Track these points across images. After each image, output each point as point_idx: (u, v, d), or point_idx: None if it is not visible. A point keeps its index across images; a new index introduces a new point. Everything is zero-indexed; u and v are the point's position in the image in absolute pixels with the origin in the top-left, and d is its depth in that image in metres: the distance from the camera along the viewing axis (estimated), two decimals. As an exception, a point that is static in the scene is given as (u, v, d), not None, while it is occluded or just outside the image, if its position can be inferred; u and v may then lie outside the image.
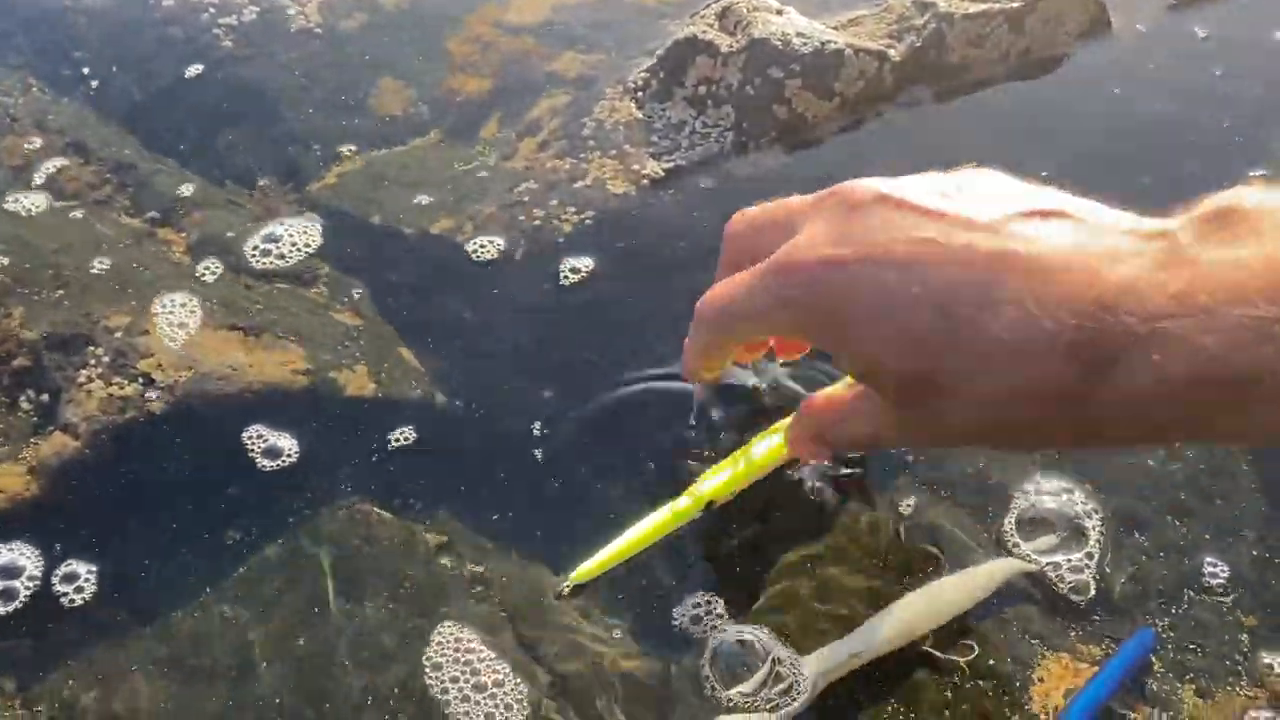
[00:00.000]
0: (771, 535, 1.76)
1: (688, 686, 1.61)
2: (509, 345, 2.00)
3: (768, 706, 1.55)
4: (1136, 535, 1.78)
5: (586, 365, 1.97)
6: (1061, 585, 1.73)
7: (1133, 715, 1.59)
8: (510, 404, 1.91)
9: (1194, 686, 1.62)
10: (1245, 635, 1.66)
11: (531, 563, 1.72)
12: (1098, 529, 1.77)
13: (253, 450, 1.80)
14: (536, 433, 1.87)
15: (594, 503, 1.80)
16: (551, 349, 1.99)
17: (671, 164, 2.25)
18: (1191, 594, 1.71)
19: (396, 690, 1.59)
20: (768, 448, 1.78)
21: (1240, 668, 1.63)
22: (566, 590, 1.66)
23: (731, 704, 1.54)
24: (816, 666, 1.61)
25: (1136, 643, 1.65)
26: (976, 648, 1.66)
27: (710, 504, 1.72)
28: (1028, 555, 1.73)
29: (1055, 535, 1.80)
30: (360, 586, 1.68)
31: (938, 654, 1.66)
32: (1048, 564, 1.74)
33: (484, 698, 1.60)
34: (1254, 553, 1.75)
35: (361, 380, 1.91)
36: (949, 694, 1.62)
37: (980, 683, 1.62)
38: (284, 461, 1.80)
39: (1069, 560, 1.77)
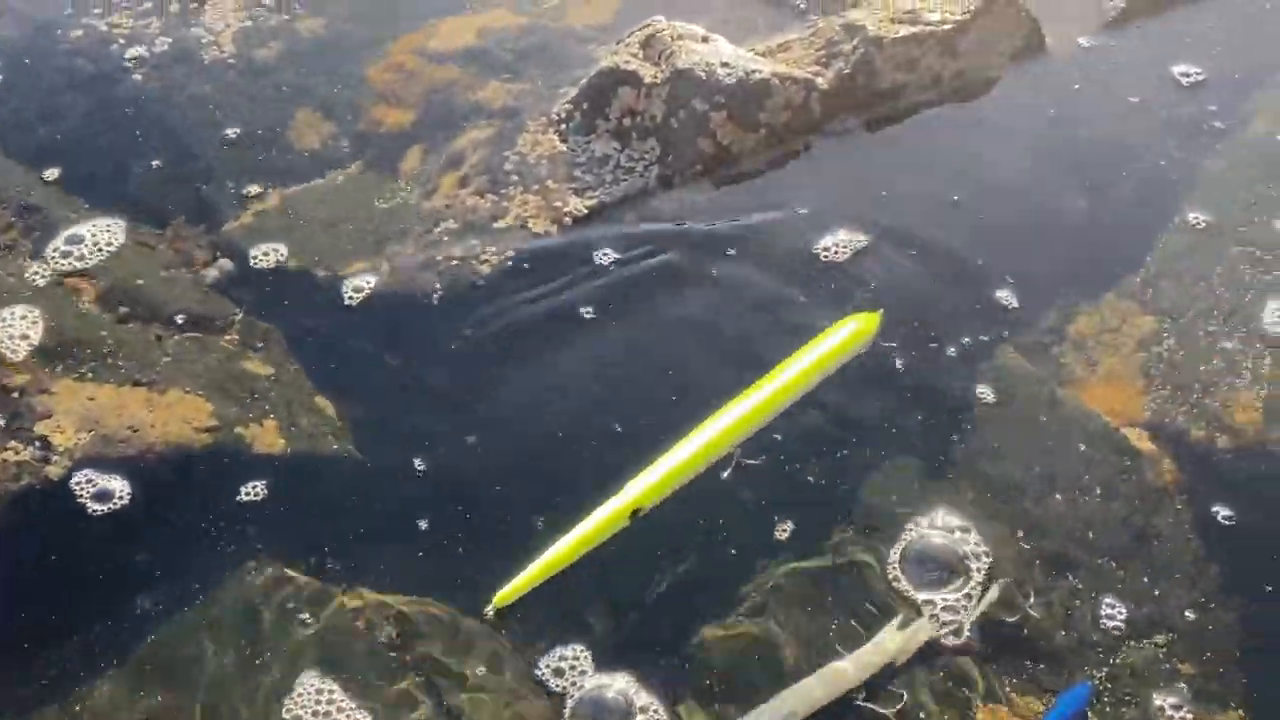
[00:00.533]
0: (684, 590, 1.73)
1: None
2: (428, 391, 1.94)
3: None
4: (1069, 579, 1.73)
5: (511, 408, 1.91)
6: (996, 637, 1.69)
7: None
8: (432, 450, 1.85)
9: (1132, 740, 1.58)
10: (1183, 684, 1.62)
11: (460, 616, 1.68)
12: (987, 569, 1.74)
13: (152, 516, 1.73)
14: (458, 477, 1.81)
15: (520, 536, 1.75)
16: (473, 393, 1.93)
17: (594, 200, 2.18)
18: (1129, 641, 1.67)
19: None
20: (694, 450, 1.74)
21: (1177, 718, 1.59)
22: (490, 614, 1.62)
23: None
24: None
25: (1072, 696, 1.61)
26: (905, 696, 1.62)
27: (636, 512, 1.68)
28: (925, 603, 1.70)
29: (941, 572, 1.76)
30: (286, 654, 1.61)
31: (865, 705, 1.62)
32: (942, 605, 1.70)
33: None
34: (1187, 597, 1.71)
35: (271, 436, 1.83)
36: (882, 751, 1.57)
37: (916, 738, 1.58)
38: (185, 524, 1.73)
39: (946, 600, 1.73)
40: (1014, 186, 2.31)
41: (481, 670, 1.60)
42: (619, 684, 1.61)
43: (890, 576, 1.72)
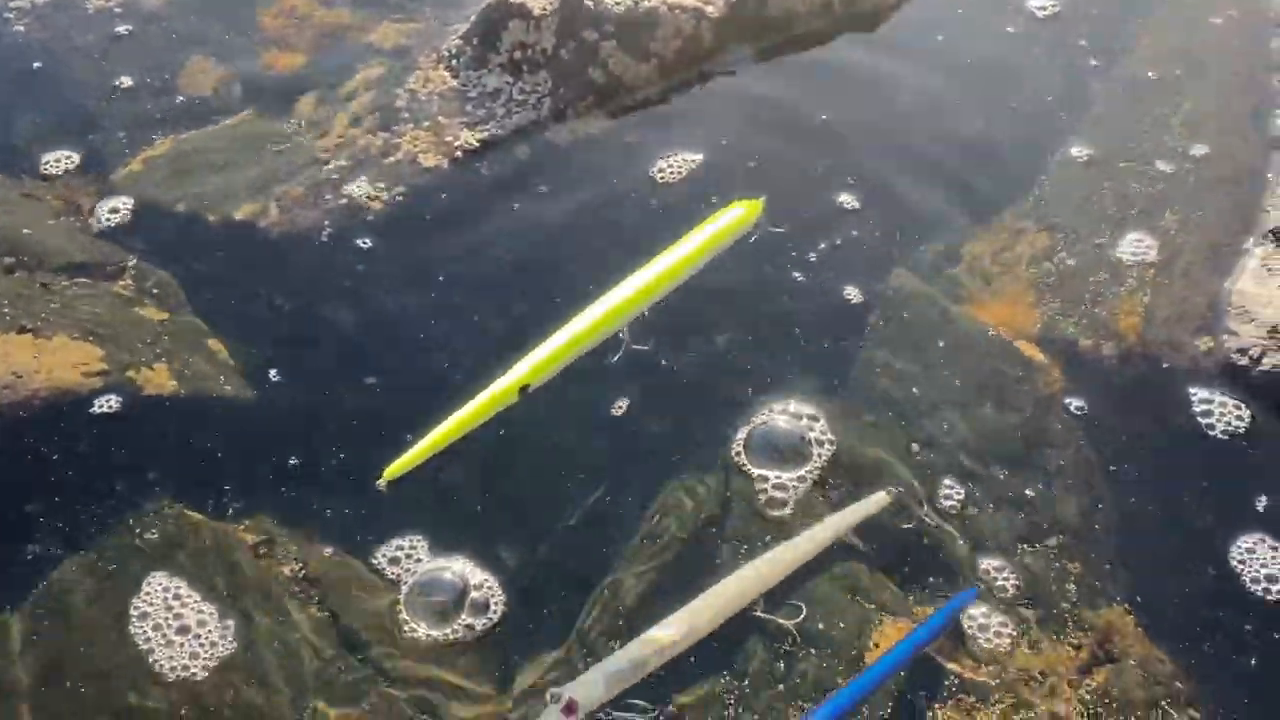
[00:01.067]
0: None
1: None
2: (321, 331, 1.92)
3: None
4: (966, 488, 1.77)
5: (409, 345, 1.90)
6: (894, 547, 1.72)
7: (953, 666, 1.59)
8: (328, 392, 1.83)
9: (1022, 637, 1.62)
10: (1072, 584, 1.67)
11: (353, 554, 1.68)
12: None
13: (39, 461, 1.69)
14: (356, 421, 1.80)
15: (422, 482, 1.75)
16: (366, 330, 1.92)
17: (487, 134, 2.17)
18: (1022, 544, 1.71)
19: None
20: (580, 329, 1.77)
21: (1067, 616, 1.64)
22: (383, 486, 1.62)
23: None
24: (641, 650, 1.58)
25: (958, 600, 1.64)
26: (804, 609, 1.64)
27: (525, 388, 1.69)
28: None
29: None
30: (177, 591, 1.59)
31: (766, 616, 1.65)
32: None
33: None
34: (1077, 501, 1.76)
35: (162, 379, 1.80)
36: (781, 664, 1.60)
37: (811, 651, 1.60)
38: (78, 470, 1.70)
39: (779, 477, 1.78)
40: (907, 111, 2.34)
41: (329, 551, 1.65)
42: (455, 566, 1.65)
43: (770, 480, 1.75)
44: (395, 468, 1.59)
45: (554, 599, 1.64)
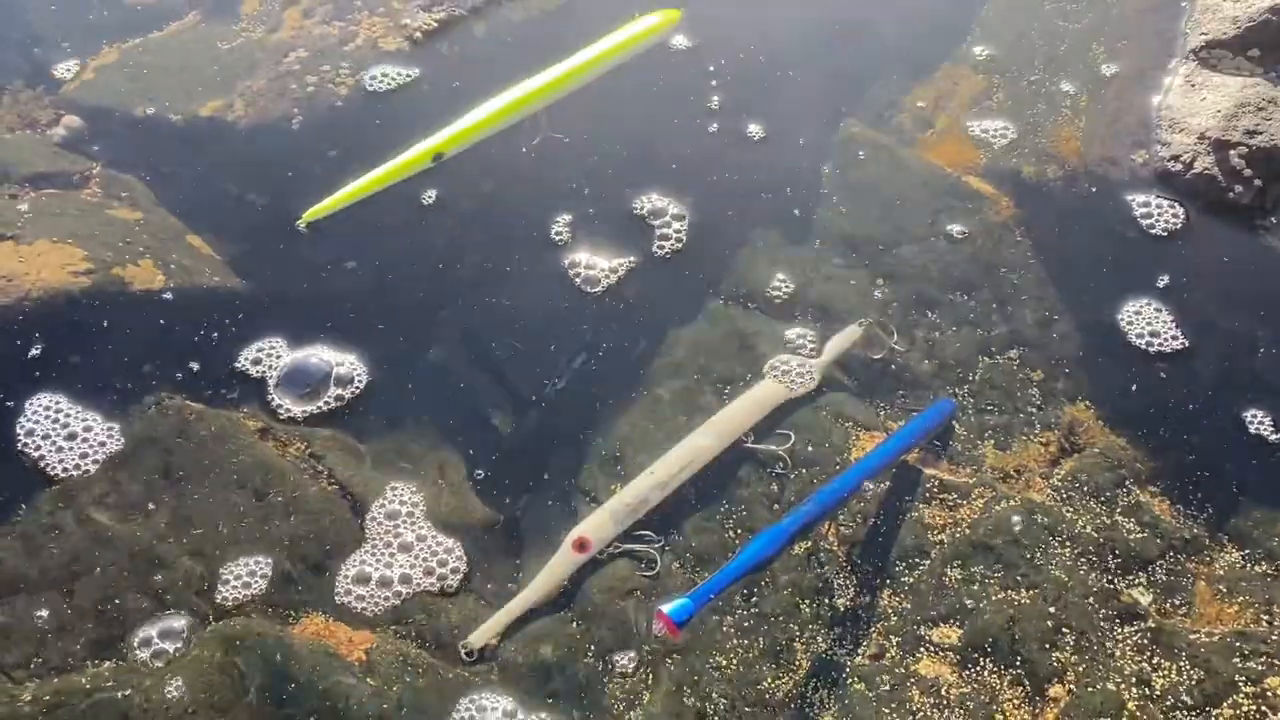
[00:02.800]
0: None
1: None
2: (297, 220, 1.95)
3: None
4: (930, 315, 1.88)
5: (390, 228, 1.95)
6: (868, 373, 1.83)
7: (932, 472, 1.71)
8: (309, 280, 1.89)
9: (993, 441, 1.74)
10: (1035, 390, 1.80)
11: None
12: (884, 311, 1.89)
13: (46, 358, 1.73)
14: (340, 304, 1.86)
15: (389, 335, 1.84)
16: (343, 217, 1.95)
17: (443, 14, 2.19)
18: (985, 359, 1.83)
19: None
20: (497, 108, 1.90)
21: (1033, 418, 1.77)
22: (303, 226, 1.82)
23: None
24: (648, 482, 1.68)
25: (934, 410, 1.76)
26: (793, 436, 1.75)
27: (439, 155, 1.84)
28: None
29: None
30: (190, 479, 1.65)
31: (758, 447, 1.75)
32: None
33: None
34: (1033, 314, 1.88)
35: (149, 274, 1.83)
36: (775, 485, 1.70)
37: (803, 470, 1.71)
38: (76, 365, 1.74)
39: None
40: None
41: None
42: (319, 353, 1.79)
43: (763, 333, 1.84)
44: (313, 212, 1.80)
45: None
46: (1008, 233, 1.97)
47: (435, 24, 2.13)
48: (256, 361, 1.79)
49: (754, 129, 2.11)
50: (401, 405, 1.77)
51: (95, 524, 1.59)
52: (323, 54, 2.13)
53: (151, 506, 1.62)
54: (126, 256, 1.84)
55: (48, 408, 1.70)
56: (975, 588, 1.57)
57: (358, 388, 1.77)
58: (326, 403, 1.76)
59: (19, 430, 1.67)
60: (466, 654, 1.59)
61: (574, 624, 1.61)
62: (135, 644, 1.51)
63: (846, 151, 2.08)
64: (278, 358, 1.79)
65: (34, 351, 1.73)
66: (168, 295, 1.82)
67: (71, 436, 1.68)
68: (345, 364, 1.79)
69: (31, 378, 1.72)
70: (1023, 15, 2.32)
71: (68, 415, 1.69)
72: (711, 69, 2.18)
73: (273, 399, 1.75)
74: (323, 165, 2.01)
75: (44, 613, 1.53)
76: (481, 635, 1.60)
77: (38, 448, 1.66)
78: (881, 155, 2.08)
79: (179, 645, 1.50)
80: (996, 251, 1.95)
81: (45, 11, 2.34)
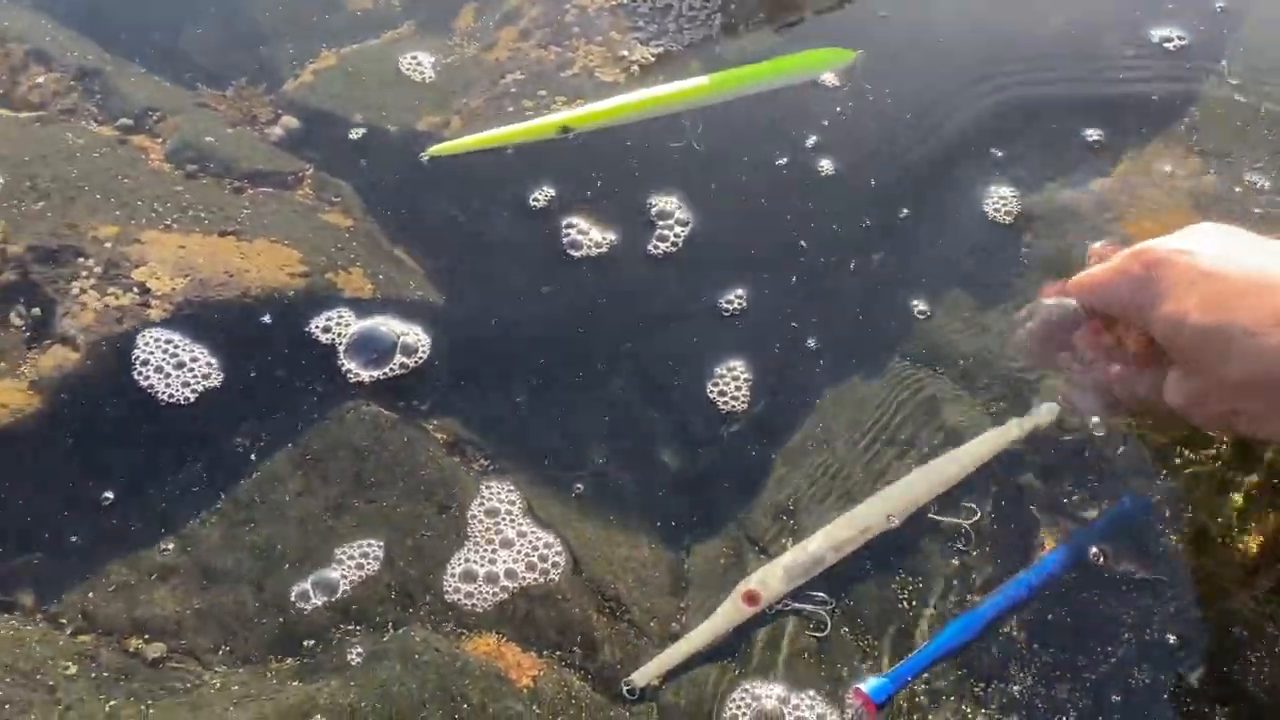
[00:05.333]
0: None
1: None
2: (504, 241, 1.99)
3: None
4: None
5: (585, 259, 1.97)
6: (1058, 448, 1.78)
7: (1126, 566, 1.66)
8: (509, 302, 1.93)
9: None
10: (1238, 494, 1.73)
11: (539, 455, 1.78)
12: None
13: (258, 355, 1.79)
14: (540, 330, 1.89)
15: (594, 387, 1.85)
16: (545, 241, 1.99)
17: (660, 48, 2.21)
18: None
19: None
20: (637, 99, 1.96)
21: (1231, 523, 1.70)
22: (426, 158, 1.94)
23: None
24: (825, 542, 1.66)
25: (1132, 505, 1.71)
26: (979, 510, 1.72)
27: (566, 129, 1.92)
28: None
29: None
30: (378, 487, 1.70)
31: (941, 518, 1.72)
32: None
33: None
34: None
35: (358, 281, 1.89)
36: (954, 560, 1.67)
37: (986, 548, 1.68)
38: (290, 365, 1.80)
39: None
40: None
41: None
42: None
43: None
44: (442, 148, 1.93)
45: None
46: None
47: (652, 57, 2.15)
48: (457, 379, 1.84)
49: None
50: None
51: (287, 519, 1.66)
52: (539, 78, 2.17)
53: (341, 509, 1.68)
54: (339, 263, 1.90)
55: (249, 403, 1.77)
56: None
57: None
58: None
59: (219, 420, 1.75)
60: (629, 691, 1.62)
61: (736, 672, 1.62)
62: (315, 645, 1.57)
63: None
64: (468, 377, 1.84)
65: (249, 349, 1.80)
66: (375, 304, 1.87)
67: (267, 434, 1.75)
68: (531, 382, 1.83)
69: (246, 376, 1.79)
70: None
71: (267, 414, 1.77)
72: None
73: (460, 414, 1.80)
74: (533, 190, 2.05)
75: (235, 602, 1.60)
76: (645, 675, 1.62)
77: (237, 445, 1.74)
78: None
79: (359, 651, 1.55)
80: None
81: (273, 10, 2.44)
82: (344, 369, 1.80)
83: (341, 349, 1.82)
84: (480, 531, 1.68)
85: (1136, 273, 1.35)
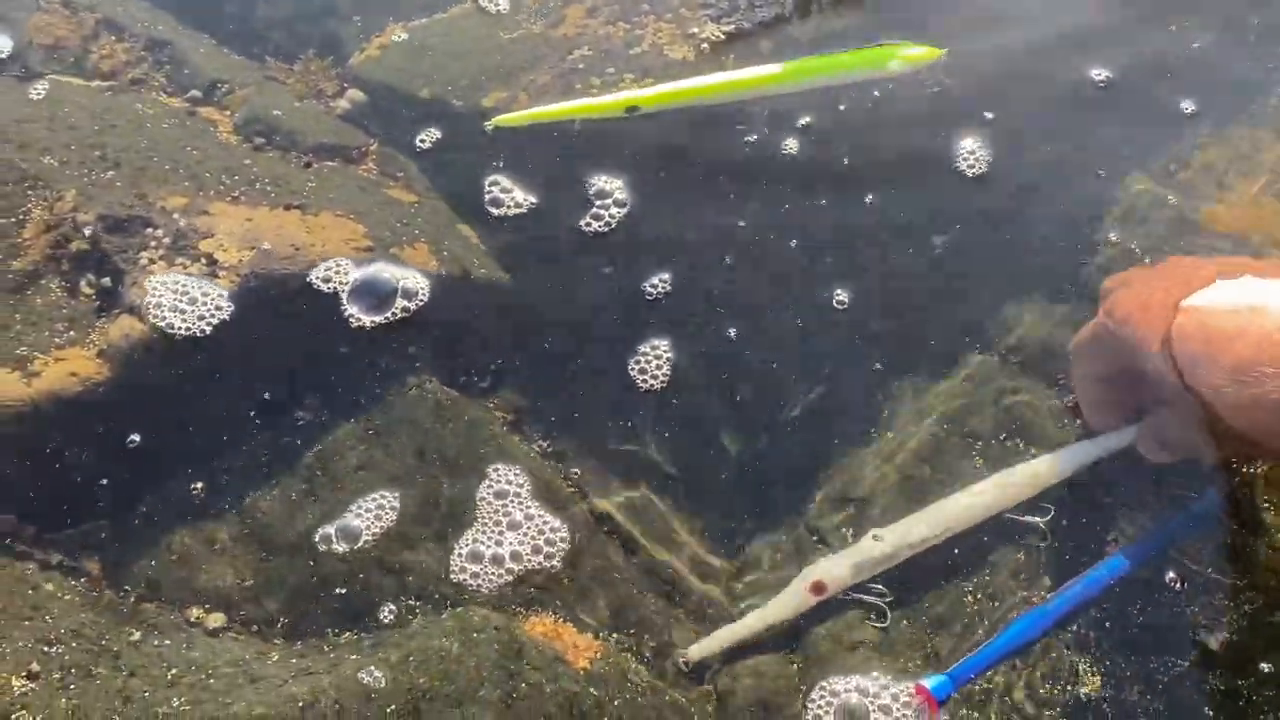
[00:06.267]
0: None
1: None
2: (569, 226, 1.97)
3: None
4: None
5: (655, 241, 1.95)
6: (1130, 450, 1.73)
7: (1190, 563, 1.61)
8: (573, 283, 1.92)
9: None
10: None
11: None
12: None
13: (325, 329, 1.79)
14: (602, 309, 1.88)
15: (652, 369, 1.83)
16: (617, 227, 1.98)
17: (731, 26, 2.17)
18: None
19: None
20: (706, 84, 1.97)
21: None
22: (489, 128, 1.97)
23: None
24: (898, 539, 1.63)
25: (1204, 507, 1.66)
26: (1053, 510, 1.67)
27: (633, 109, 1.95)
28: None
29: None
30: (440, 463, 1.69)
31: (1016, 517, 1.68)
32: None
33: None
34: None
35: (424, 256, 1.88)
36: (1025, 558, 1.63)
37: (1056, 546, 1.64)
38: (354, 340, 1.80)
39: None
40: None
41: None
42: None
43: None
44: (506, 119, 1.97)
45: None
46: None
47: (723, 35, 2.11)
48: (514, 350, 1.84)
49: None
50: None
51: (347, 489, 1.67)
52: (608, 55, 2.14)
53: (403, 483, 1.68)
54: (404, 238, 1.90)
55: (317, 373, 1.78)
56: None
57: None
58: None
59: (282, 394, 1.76)
60: (684, 663, 1.61)
61: (794, 665, 1.60)
62: (380, 618, 1.58)
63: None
64: (539, 349, 1.83)
65: (317, 317, 1.80)
66: (442, 279, 1.86)
67: (328, 409, 1.76)
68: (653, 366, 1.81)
69: (309, 351, 1.79)
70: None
71: (329, 388, 1.77)
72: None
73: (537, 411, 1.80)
74: (601, 170, 2.03)
75: (295, 575, 1.61)
76: (701, 649, 1.61)
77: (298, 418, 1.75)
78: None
79: (417, 627, 1.55)
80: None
81: (337, -17, 2.44)
82: (407, 348, 1.80)
83: (403, 325, 1.81)
84: (536, 514, 1.67)
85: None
